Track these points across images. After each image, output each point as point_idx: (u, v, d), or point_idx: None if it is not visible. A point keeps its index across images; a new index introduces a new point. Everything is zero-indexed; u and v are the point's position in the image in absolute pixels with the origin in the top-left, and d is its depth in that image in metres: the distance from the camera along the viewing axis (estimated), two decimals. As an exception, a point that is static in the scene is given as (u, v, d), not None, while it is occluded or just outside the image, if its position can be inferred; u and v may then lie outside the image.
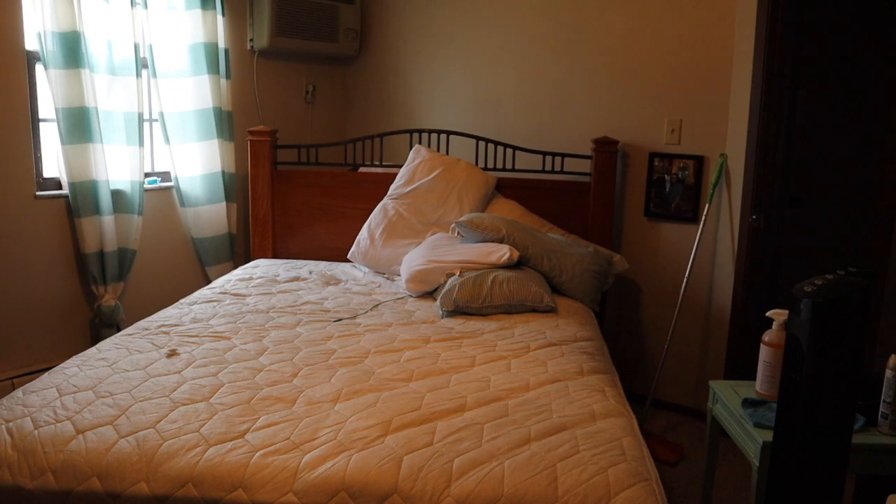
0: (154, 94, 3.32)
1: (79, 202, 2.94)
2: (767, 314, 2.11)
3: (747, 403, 2.05)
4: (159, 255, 3.39)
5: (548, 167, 3.38)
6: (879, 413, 1.90)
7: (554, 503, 1.36)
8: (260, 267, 3.19)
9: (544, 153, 3.36)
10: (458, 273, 2.64)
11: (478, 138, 3.43)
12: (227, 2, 3.52)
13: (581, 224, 3.30)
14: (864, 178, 3.39)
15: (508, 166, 3.44)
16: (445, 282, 2.66)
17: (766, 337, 2.08)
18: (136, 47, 3.12)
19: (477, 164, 3.40)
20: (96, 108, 2.96)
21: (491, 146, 3.45)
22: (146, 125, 3.30)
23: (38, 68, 2.87)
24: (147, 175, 3.35)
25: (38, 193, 2.88)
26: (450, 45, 3.84)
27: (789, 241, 3.26)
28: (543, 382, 1.88)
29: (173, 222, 3.47)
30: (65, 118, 2.87)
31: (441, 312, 2.52)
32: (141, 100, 3.16)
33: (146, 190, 3.28)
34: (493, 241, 2.81)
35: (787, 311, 1.87)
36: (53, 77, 2.82)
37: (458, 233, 2.97)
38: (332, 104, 4.21)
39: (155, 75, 3.28)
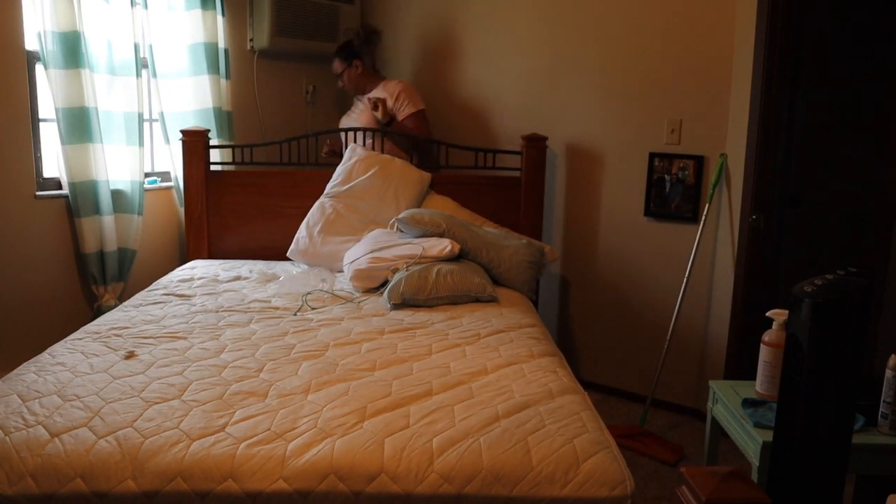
0: (154, 94, 3.32)
1: (79, 202, 2.94)
2: (767, 314, 2.11)
3: (747, 403, 2.05)
4: (159, 255, 3.39)
5: (489, 163, 3.49)
6: (879, 413, 1.91)
7: (530, 472, 1.46)
8: (198, 268, 3.10)
9: (476, 149, 3.45)
10: (403, 267, 2.69)
11: (411, 137, 3.46)
12: (227, 2, 3.52)
13: (512, 218, 3.41)
14: (864, 178, 3.39)
15: (450, 164, 3.55)
16: (391, 278, 2.68)
17: (766, 337, 2.08)
18: (136, 47, 3.12)
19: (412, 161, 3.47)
20: (96, 108, 2.96)
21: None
22: (146, 125, 3.30)
23: (38, 68, 2.87)
24: (147, 175, 3.35)
25: (38, 193, 2.89)
26: (449, 46, 3.84)
27: (789, 241, 3.25)
28: (500, 366, 1.97)
29: (173, 222, 3.47)
30: (65, 118, 2.87)
31: (388, 306, 2.56)
32: (141, 100, 3.16)
33: (146, 190, 3.28)
34: (433, 236, 2.87)
35: (787, 311, 1.86)
36: (53, 77, 2.82)
37: (398, 228, 3.02)
38: (332, 104, 4.21)
39: (155, 75, 3.29)
